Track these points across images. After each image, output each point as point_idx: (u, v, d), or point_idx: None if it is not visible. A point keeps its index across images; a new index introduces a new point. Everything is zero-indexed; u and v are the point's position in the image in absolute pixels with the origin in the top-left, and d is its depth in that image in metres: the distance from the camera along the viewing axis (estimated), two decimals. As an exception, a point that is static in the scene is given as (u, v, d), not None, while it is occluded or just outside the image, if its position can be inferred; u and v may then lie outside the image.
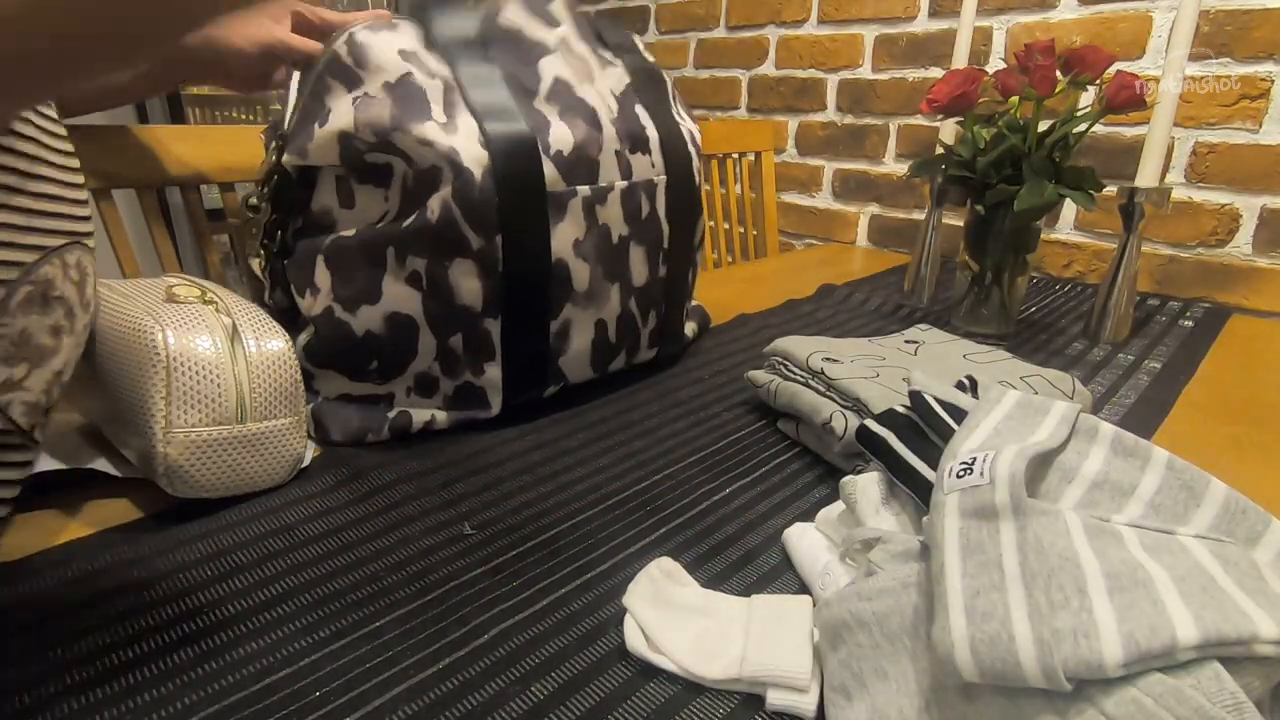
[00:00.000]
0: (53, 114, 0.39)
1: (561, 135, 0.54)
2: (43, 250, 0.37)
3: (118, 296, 0.48)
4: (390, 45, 0.51)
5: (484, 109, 0.52)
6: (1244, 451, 0.57)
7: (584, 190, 0.56)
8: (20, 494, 0.42)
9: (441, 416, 0.57)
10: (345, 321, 0.54)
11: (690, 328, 0.77)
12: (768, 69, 1.47)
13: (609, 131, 0.57)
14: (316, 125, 0.51)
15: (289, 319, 0.59)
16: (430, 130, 0.50)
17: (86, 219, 0.41)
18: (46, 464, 0.48)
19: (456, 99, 0.52)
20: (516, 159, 0.52)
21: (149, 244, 0.80)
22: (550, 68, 0.55)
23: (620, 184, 0.58)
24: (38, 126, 0.37)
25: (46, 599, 0.38)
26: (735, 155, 1.36)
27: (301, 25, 0.63)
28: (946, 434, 0.38)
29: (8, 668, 0.34)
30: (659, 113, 0.63)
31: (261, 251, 0.58)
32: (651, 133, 0.61)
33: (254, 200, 0.56)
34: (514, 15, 0.56)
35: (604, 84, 0.60)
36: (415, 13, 0.55)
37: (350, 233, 0.53)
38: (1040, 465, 0.34)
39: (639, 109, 0.62)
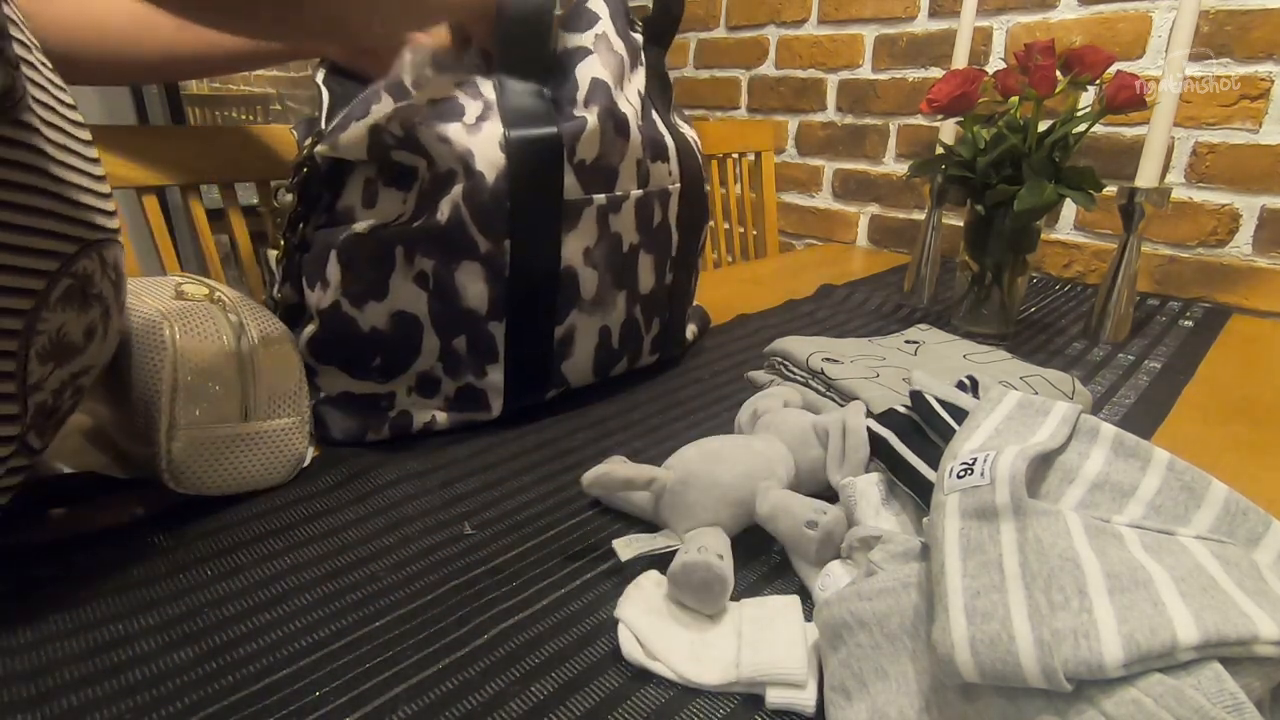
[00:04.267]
0: (76, 115, 0.38)
1: (590, 137, 0.53)
2: (80, 243, 0.36)
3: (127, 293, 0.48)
4: (451, 79, 0.52)
5: (515, 117, 0.52)
6: (1244, 451, 0.57)
7: (599, 199, 0.55)
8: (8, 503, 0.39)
9: (442, 418, 0.57)
10: (351, 317, 0.54)
11: (690, 329, 0.77)
12: (768, 69, 1.47)
13: (635, 139, 0.56)
14: (355, 121, 0.51)
15: (293, 315, 0.58)
16: (452, 130, 0.49)
17: (114, 215, 0.39)
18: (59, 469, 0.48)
19: (492, 114, 0.52)
20: (538, 164, 0.51)
21: (149, 244, 0.80)
22: (588, 69, 0.55)
23: (635, 193, 0.58)
24: (62, 116, 0.36)
25: (46, 594, 0.38)
26: (735, 155, 1.36)
27: None
28: (947, 434, 0.38)
29: (8, 664, 0.34)
30: (668, 120, 0.63)
31: (282, 242, 0.58)
32: (669, 140, 0.61)
33: (284, 191, 0.56)
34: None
35: (633, 86, 0.59)
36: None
37: (364, 229, 0.53)
38: (1041, 466, 0.34)
39: (654, 115, 0.61)
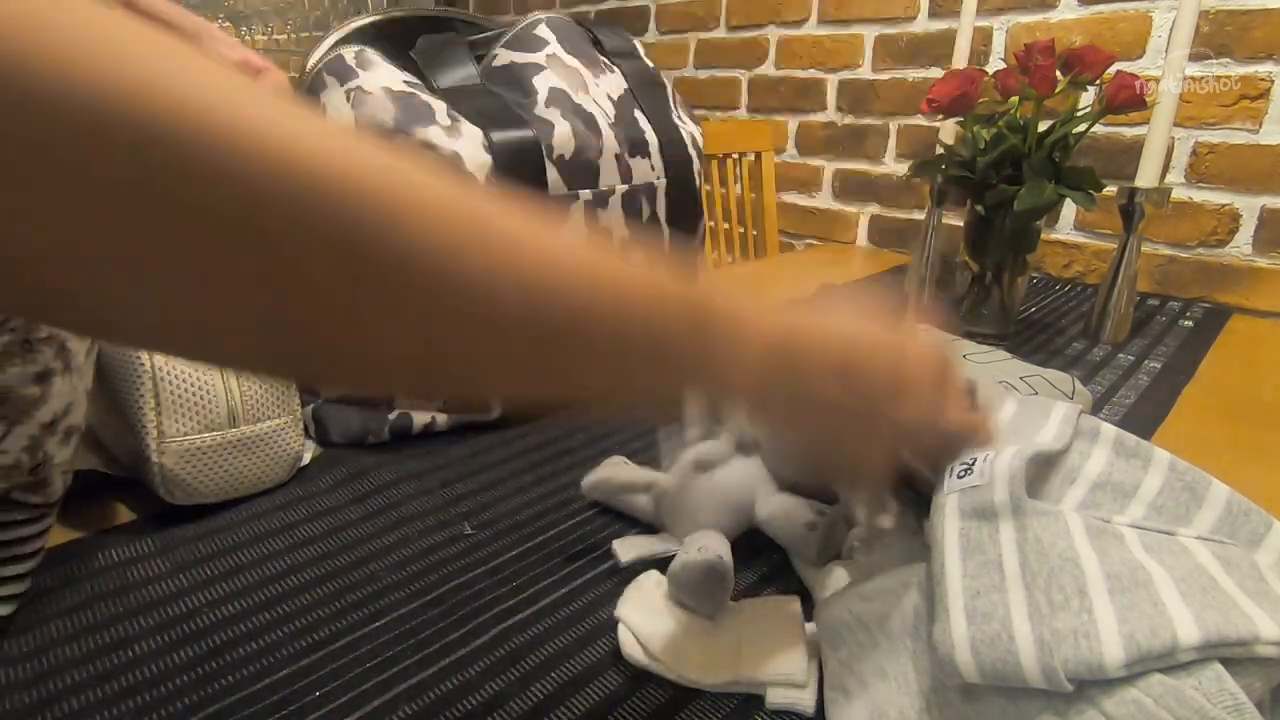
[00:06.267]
0: None
1: (564, 137, 0.54)
2: None
3: None
4: (395, 74, 0.52)
5: (485, 119, 0.52)
6: (1244, 451, 0.57)
7: (585, 194, 0.56)
8: (26, 589, 0.36)
9: (442, 419, 0.57)
10: None
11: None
12: (768, 69, 1.47)
13: (608, 136, 0.57)
14: None
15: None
16: (434, 134, 0.50)
17: None
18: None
19: (459, 116, 0.52)
20: (520, 163, 0.52)
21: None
22: (544, 81, 0.56)
23: (621, 188, 0.58)
24: None
25: (47, 598, 0.38)
26: (735, 155, 1.36)
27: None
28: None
29: (8, 667, 0.34)
30: (658, 117, 0.64)
31: None
32: (650, 137, 0.61)
33: None
34: (502, 55, 0.58)
35: (600, 90, 0.60)
36: (419, 59, 0.55)
37: None
38: (1043, 466, 0.33)
39: (637, 113, 0.62)
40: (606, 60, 0.64)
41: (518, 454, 0.54)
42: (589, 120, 0.56)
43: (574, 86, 0.58)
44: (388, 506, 0.47)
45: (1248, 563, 0.28)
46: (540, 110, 0.55)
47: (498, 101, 0.54)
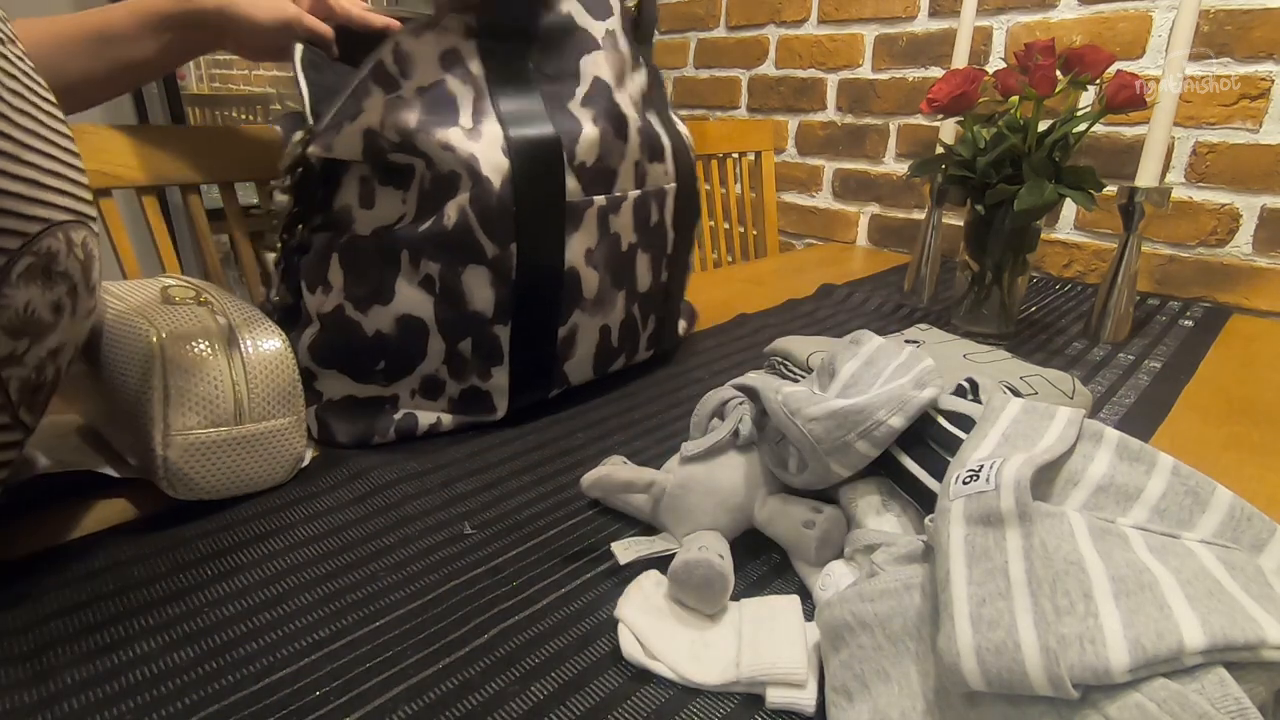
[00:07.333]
0: (48, 94, 0.39)
1: (589, 142, 0.53)
2: (46, 223, 0.37)
3: (113, 299, 0.48)
4: (433, 49, 0.50)
5: (511, 115, 0.51)
6: (1244, 451, 0.57)
7: (599, 200, 0.55)
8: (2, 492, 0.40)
9: (447, 419, 0.57)
10: (356, 320, 0.54)
11: (680, 325, 0.77)
12: (768, 69, 1.47)
13: (634, 142, 0.57)
14: (347, 122, 0.51)
15: (289, 318, 0.58)
16: (453, 135, 0.49)
17: (90, 202, 0.40)
18: (45, 466, 0.47)
19: (486, 106, 0.51)
20: (539, 167, 0.51)
21: (149, 244, 0.80)
22: (591, 67, 0.54)
23: (633, 193, 0.58)
24: (32, 103, 0.37)
25: (47, 599, 0.38)
26: (735, 155, 1.35)
27: (318, 8, 0.64)
28: (946, 440, 0.38)
29: (8, 667, 0.34)
30: (665, 118, 0.63)
31: (280, 245, 0.58)
32: (665, 141, 0.61)
33: (278, 193, 0.56)
34: (569, 4, 0.55)
35: (635, 85, 0.59)
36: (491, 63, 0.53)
37: (366, 231, 0.53)
38: (1046, 469, 0.33)
39: (651, 115, 0.61)
40: (637, 53, 0.61)
41: (518, 454, 0.54)
42: (620, 127, 0.55)
43: (617, 79, 0.56)
44: (388, 506, 0.47)
45: (1253, 567, 0.28)
46: (575, 107, 0.54)
47: (528, 93, 0.52)
